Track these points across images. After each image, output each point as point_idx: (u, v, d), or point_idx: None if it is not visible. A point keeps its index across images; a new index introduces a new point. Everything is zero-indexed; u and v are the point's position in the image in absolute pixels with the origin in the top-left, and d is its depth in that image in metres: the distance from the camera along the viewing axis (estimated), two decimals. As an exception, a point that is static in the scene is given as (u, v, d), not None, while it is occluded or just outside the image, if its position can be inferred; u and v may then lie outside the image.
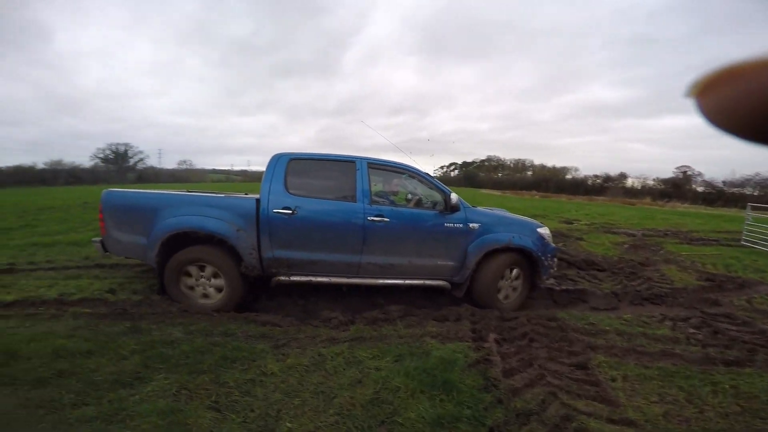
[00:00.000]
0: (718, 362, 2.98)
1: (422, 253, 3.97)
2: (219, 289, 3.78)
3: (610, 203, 28.77)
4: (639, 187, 43.82)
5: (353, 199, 3.85)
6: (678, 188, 39.80)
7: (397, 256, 3.93)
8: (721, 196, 35.10)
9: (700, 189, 39.96)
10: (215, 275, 3.75)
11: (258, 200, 3.74)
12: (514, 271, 4.17)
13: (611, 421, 2.20)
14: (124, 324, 3.20)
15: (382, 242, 3.85)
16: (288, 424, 2.07)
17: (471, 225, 4.00)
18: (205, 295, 3.79)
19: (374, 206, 3.85)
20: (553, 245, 4.45)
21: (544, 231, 4.35)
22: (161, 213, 3.71)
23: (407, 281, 4.02)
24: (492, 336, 3.27)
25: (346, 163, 3.98)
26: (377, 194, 4.07)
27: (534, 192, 42.04)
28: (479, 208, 4.33)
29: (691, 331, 3.63)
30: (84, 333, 2.99)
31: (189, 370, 2.53)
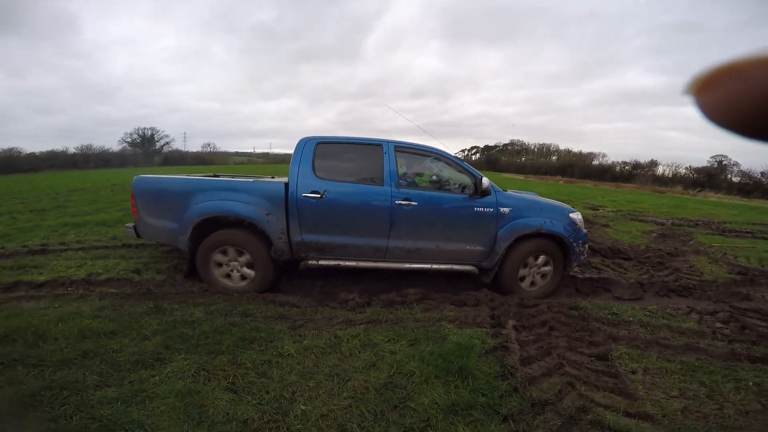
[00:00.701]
0: (743, 358, 2.87)
1: (451, 238, 3.96)
2: (249, 272, 3.84)
3: (638, 191, 27.78)
4: (670, 175, 42.04)
5: (381, 182, 3.85)
6: (712, 178, 38.00)
7: (425, 241, 3.91)
8: (758, 187, 33.40)
9: (735, 179, 38.10)
10: (245, 259, 3.82)
11: (287, 184, 3.76)
12: (540, 258, 4.10)
13: (628, 414, 2.15)
14: (147, 304, 3.29)
15: (410, 226, 3.85)
16: (302, 407, 2.09)
17: (502, 209, 3.95)
18: (239, 278, 3.86)
19: (402, 190, 3.83)
20: (585, 231, 4.35)
21: (576, 216, 4.26)
22: (192, 198, 3.78)
23: (434, 266, 4.00)
24: (511, 323, 3.23)
25: (373, 146, 3.96)
26: (404, 177, 4.03)
27: (558, 177, 41.01)
28: (510, 192, 4.32)
29: (718, 325, 3.50)
30: (109, 313, 3.09)
31: (208, 350, 2.59)
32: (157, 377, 2.29)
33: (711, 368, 2.67)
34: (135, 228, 4.02)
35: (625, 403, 2.26)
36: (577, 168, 47.22)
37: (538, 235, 4.01)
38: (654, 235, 8.09)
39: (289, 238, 3.78)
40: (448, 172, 4.17)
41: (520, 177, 42.68)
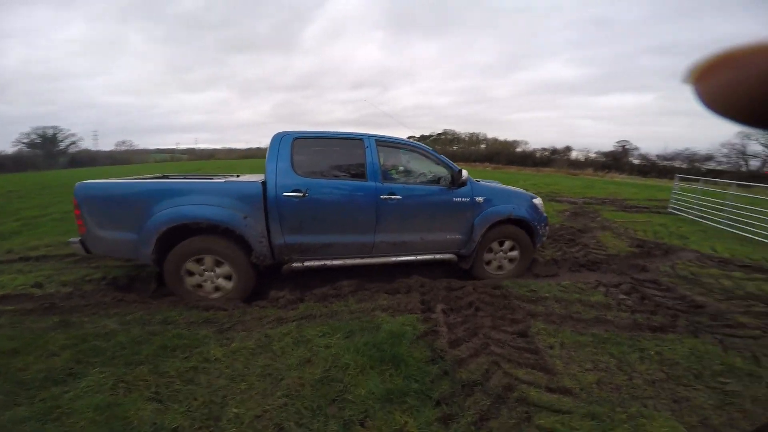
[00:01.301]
0: (644, 328, 3.16)
1: (433, 229, 4.05)
2: (226, 282, 3.55)
3: (555, 174, 30.08)
4: (583, 159, 46.41)
5: (364, 177, 3.78)
6: (617, 161, 42.48)
7: (410, 233, 3.97)
8: (654, 168, 37.70)
9: (636, 162, 42.81)
10: (219, 265, 3.50)
11: (264, 183, 3.53)
12: (506, 244, 4.36)
13: (549, 389, 2.30)
14: (52, 319, 3.02)
15: (395, 220, 3.85)
16: (234, 410, 2.04)
17: (477, 198, 4.13)
18: (214, 288, 3.55)
19: (386, 184, 3.82)
20: (545, 214, 4.67)
21: (537, 201, 4.59)
22: (153, 204, 3.35)
23: (419, 257, 4.10)
24: (440, 307, 3.35)
25: (354, 140, 3.87)
26: (386, 172, 4.00)
27: (487, 164, 43.41)
28: (482, 182, 4.48)
29: (622, 297, 3.87)
30: (7, 332, 2.78)
31: (126, 361, 2.44)
32: (71, 393, 2.14)
33: (618, 339, 2.92)
34: (82, 243, 3.48)
35: (546, 378, 2.41)
36: (503, 155, 50.10)
37: (506, 221, 4.24)
38: (567, 213, 8.83)
39: (270, 241, 3.57)
40: (426, 165, 4.21)
41: None
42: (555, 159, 46.56)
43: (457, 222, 4.11)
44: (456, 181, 4.00)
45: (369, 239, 3.84)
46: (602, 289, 4.07)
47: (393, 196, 3.78)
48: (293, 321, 3.05)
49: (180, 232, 3.37)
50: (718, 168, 33.11)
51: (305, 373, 2.37)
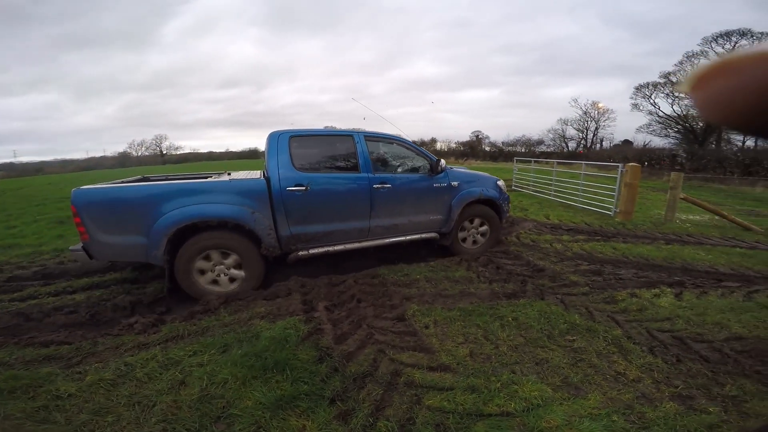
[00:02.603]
0: (501, 296, 3.54)
1: (419, 211, 4.58)
2: (238, 273, 3.73)
3: (419, 161, 32.51)
4: (446, 149, 51.33)
5: (357, 169, 4.17)
6: (473, 149, 47.91)
7: (399, 217, 4.46)
8: (501, 153, 43.17)
9: (487, 149, 48.68)
10: (232, 261, 3.69)
11: (267, 179, 3.75)
12: (476, 221, 5.04)
13: (431, 369, 2.43)
14: None
15: (387, 206, 4.30)
16: (107, 443, 1.77)
17: (453, 183, 4.73)
18: (227, 281, 3.72)
19: (377, 175, 4.25)
20: (507, 194, 5.37)
21: (501, 183, 5.29)
22: (159, 205, 3.41)
23: (407, 237, 4.60)
24: (322, 304, 3.33)
25: (345, 136, 4.30)
26: (375, 163, 4.38)
27: None
28: (455, 169, 5.01)
29: (481, 269, 4.33)
30: None
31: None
32: None
33: (481, 310, 3.22)
34: (85, 250, 3.41)
35: (426, 358, 2.55)
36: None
37: (476, 201, 4.88)
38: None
39: (278, 233, 3.81)
40: (408, 156, 4.67)
41: None
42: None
43: (438, 204, 4.68)
44: (434, 169, 4.55)
45: (365, 224, 4.26)
46: (464, 264, 4.49)
47: (384, 185, 4.24)
48: (157, 345, 2.75)
49: (188, 232, 3.50)
50: (547, 150, 39.42)
51: (180, 395, 2.17)
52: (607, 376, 2.37)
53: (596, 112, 39.01)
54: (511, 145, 46.56)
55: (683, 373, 2.38)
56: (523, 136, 46.05)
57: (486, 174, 5.36)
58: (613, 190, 7.66)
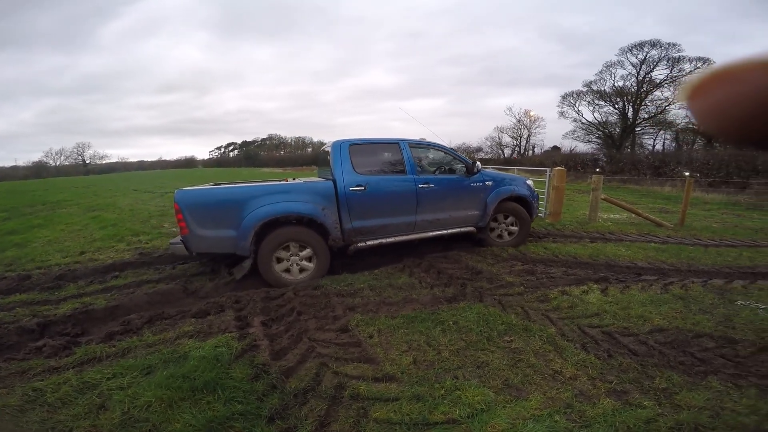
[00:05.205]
0: (442, 301, 3.59)
1: (458, 207, 5.18)
2: (308, 264, 4.32)
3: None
4: None
5: (404, 172, 4.84)
6: (418, 156, 49.58)
7: (441, 212, 5.05)
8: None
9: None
10: (305, 251, 4.29)
11: (334, 181, 4.42)
12: (509, 218, 5.66)
13: (376, 379, 2.39)
14: None
15: (430, 203, 4.92)
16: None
17: (487, 182, 5.35)
18: (298, 270, 4.29)
19: (421, 176, 4.92)
20: (536, 192, 6.00)
21: (530, 182, 5.96)
22: (248, 204, 4.06)
23: (448, 231, 5.17)
24: (257, 320, 3.20)
25: (392, 144, 4.99)
26: (419, 166, 5.07)
27: (313, 166, 44.48)
28: (489, 170, 5.81)
29: (422, 275, 4.37)
30: None
31: None
32: None
33: (423, 316, 3.22)
34: (184, 243, 4.03)
35: (371, 369, 2.50)
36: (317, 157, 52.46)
37: (509, 198, 5.48)
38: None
39: (342, 227, 4.43)
40: (447, 160, 5.39)
41: (279, 170, 44.55)
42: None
43: (475, 201, 5.30)
44: (470, 170, 5.18)
45: (412, 219, 4.86)
46: (407, 270, 4.52)
47: (428, 185, 4.86)
48: (70, 368, 2.53)
49: (269, 227, 4.09)
50: (486, 157, 41.29)
51: (99, 419, 2.02)
52: (545, 375, 2.44)
53: (528, 120, 41.53)
54: (452, 152, 48.60)
55: (615, 368, 2.49)
56: (464, 143, 47.94)
57: (518, 175, 6.12)
58: (542, 193, 8.04)
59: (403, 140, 5.00)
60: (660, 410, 2.08)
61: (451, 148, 5.53)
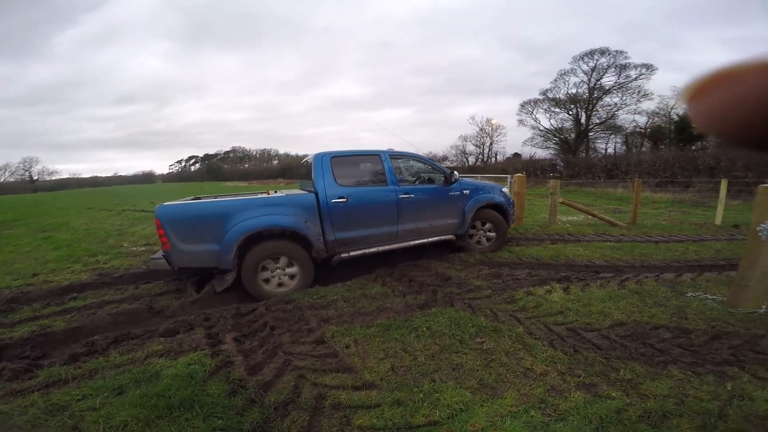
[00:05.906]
0: (415, 308, 3.65)
1: (437, 216, 5.27)
2: (293, 273, 4.32)
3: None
4: None
5: (385, 183, 4.91)
6: (388, 163, 50.04)
7: (422, 221, 5.14)
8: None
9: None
10: (289, 264, 4.30)
11: (316, 194, 4.42)
12: (487, 225, 5.82)
13: (356, 388, 2.41)
14: None
15: (411, 212, 5.00)
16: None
17: (464, 191, 5.47)
18: (280, 283, 4.28)
19: (402, 186, 5.01)
20: (512, 200, 6.26)
21: (506, 190, 6.20)
22: (230, 218, 4.04)
23: (429, 239, 5.28)
24: (229, 336, 3.16)
25: (373, 156, 5.07)
26: (400, 177, 5.17)
27: (280, 180, 43.71)
28: (466, 179, 5.92)
29: (395, 283, 4.43)
30: None
31: None
32: None
33: (398, 324, 3.27)
34: (166, 258, 3.97)
35: (350, 378, 2.52)
36: (295, 170, 51.43)
37: (486, 206, 5.64)
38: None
39: (325, 239, 4.45)
40: (425, 170, 5.58)
41: (244, 183, 43.82)
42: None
43: (453, 210, 5.41)
44: (449, 180, 5.27)
45: (394, 229, 4.92)
46: (380, 279, 4.57)
47: (408, 195, 4.95)
48: (36, 390, 2.44)
49: (253, 240, 4.08)
50: (451, 165, 42.10)
51: None
52: (517, 373, 2.53)
53: (490, 128, 42.74)
54: (420, 162, 49.37)
55: (582, 363, 2.62)
56: (430, 152, 48.70)
57: (494, 183, 6.32)
58: (505, 198, 8.36)
59: (383, 152, 5.10)
60: (628, 400, 2.20)
61: (430, 158, 5.74)
